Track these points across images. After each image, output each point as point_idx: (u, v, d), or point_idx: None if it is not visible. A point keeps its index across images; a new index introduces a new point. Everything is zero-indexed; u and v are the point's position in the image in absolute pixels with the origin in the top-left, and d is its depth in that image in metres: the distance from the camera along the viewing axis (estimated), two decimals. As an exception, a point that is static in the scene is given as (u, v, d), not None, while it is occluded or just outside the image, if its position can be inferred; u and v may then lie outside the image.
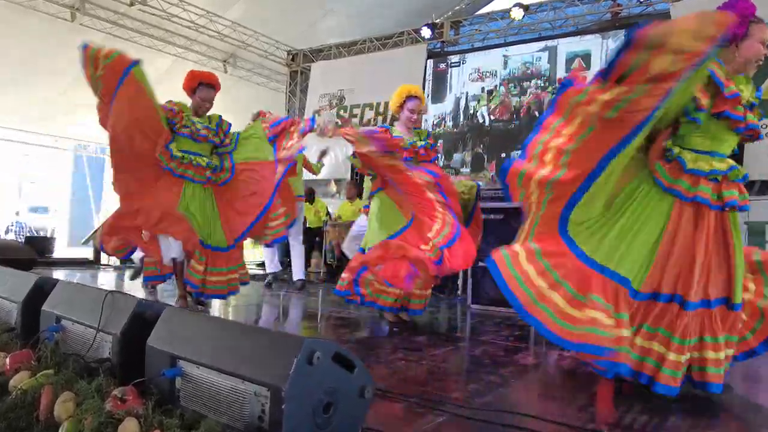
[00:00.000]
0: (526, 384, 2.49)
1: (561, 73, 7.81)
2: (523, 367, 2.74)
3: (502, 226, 4.60)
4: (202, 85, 3.69)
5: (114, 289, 3.52)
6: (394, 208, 3.64)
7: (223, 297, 3.94)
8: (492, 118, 8.54)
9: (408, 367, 2.56)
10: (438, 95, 9.27)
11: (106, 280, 5.99)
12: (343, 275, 3.67)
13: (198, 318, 1.80)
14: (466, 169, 8.77)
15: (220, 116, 3.81)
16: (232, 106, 7.76)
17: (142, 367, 1.84)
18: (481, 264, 5.17)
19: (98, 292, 2.14)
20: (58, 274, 6.24)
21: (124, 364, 1.89)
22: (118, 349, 1.91)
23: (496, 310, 4.69)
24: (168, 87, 3.85)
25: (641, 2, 7.27)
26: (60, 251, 9.42)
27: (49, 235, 9.32)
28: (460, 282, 5.74)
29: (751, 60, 2.14)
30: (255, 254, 9.11)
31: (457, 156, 8.84)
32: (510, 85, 8.37)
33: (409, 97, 3.65)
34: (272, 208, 3.75)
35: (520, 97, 8.27)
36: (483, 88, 8.70)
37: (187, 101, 3.75)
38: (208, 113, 3.80)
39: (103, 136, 3.61)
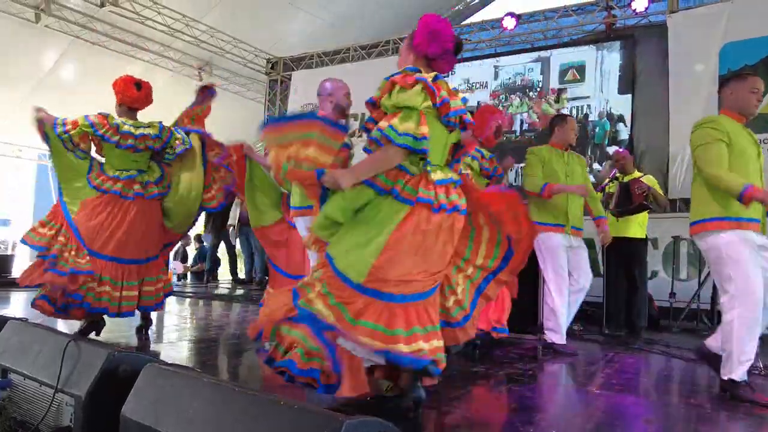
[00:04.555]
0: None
1: (554, 84, 7.59)
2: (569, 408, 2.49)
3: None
4: (137, 84, 3.56)
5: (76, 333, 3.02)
6: None
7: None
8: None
9: (445, 420, 2.16)
10: (426, 106, 8.94)
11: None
12: None
13: (192, 380, 1.37)
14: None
15: (161, 122, 3.61)
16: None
17: (114, 442, 1.41)
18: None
19: (57, 338, 1.69)
20: (17, 297, 5.66)
21: (90, 438, 1.45)
22: (83, 417, 1.47)
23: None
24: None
25: (636, 13, 7.09)
26: (22, 266, 8.71)
27: (9, 252, 8.58)
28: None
29: None
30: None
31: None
32: (501, 96, 8.10)
33: None
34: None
35: (510, 110, 8.00)
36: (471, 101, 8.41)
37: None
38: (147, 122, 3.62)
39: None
